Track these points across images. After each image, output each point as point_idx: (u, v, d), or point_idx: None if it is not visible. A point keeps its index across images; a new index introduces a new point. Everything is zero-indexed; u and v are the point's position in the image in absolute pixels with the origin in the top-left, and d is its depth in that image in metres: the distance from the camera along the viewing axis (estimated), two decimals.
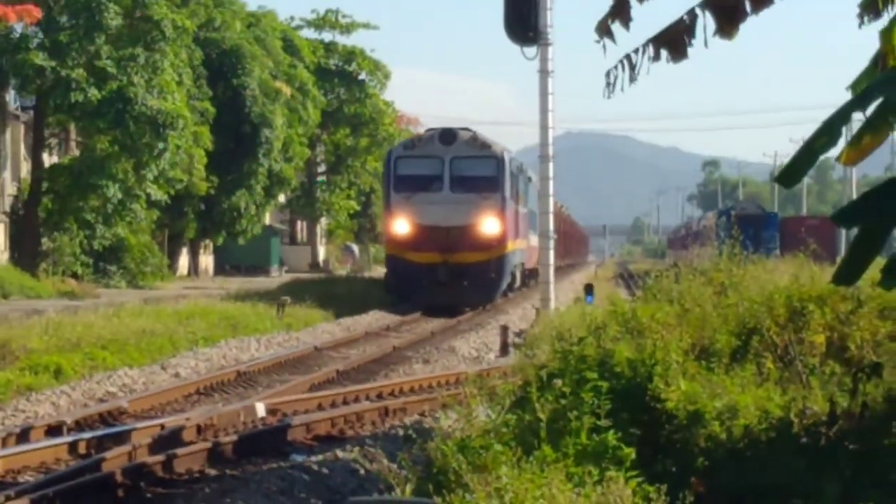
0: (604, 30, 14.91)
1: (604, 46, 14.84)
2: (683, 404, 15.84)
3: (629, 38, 15.18)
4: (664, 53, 14.61)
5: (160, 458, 17.69)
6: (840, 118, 13.85)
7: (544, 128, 38.92)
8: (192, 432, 20.23)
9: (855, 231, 14.44)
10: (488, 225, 55.09)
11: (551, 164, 40.01)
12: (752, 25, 14.78)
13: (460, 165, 55.75)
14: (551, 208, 41.59)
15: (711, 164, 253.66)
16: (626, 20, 14.62)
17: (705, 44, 14.30)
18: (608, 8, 14.81)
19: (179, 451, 18.26)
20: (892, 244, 22.67)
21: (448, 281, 54.20)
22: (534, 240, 69.55)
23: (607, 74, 14.98)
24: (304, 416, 22.16)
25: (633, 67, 14.60)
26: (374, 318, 50.54)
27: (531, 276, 75.83)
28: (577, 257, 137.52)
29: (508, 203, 56.56)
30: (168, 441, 19.30)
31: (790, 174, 14.64)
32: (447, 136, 56.41)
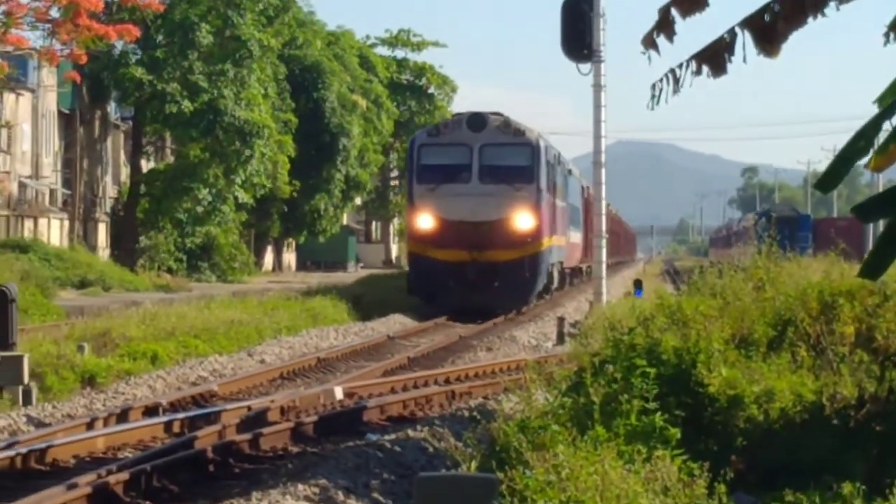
0: (649, 43, 14.87)
1: (649, 58, 14.79)
2: (724, 389, 15.80)
3: (673, 50, 15.15)
4: (706, 69, 14.64)
5: (247, 436, 17.71)
6: (870, 129, 13.80)
7: (597, 137, 38.83)
8: (277, 413, 20.23)
9: (879, 231, 14.41)
10: (521, 220, 45.54)
11: (603, 171, 40.04)
12: (788, 42, 14.74)
13: (491, 154, 45.96)
14: (604, 210, 41.34)
15: (750, 170, 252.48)
16: (670, 34, 14.58)
17: (744, 60, 14.32)
18: (654, 23, 14.86)
19: (265, 430, 18.27)
20: None
21: (477, 281, 44.70)
22: (575, 236, 62.54)
23: (653, 87, 14.98)
24: (378, 398, 22.10)
25: (676, 81, 14.58)
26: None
27: (573, 275, 68.95)
28: (626, 255, 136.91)
29: (544, 195, 46.74)
30: (254, 421, 19.32)
31: (828, 180, 14.65)
32: (476, 120, 46.05)
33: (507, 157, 46.30)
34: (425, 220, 45.79)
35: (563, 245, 55.25)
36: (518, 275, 45.45)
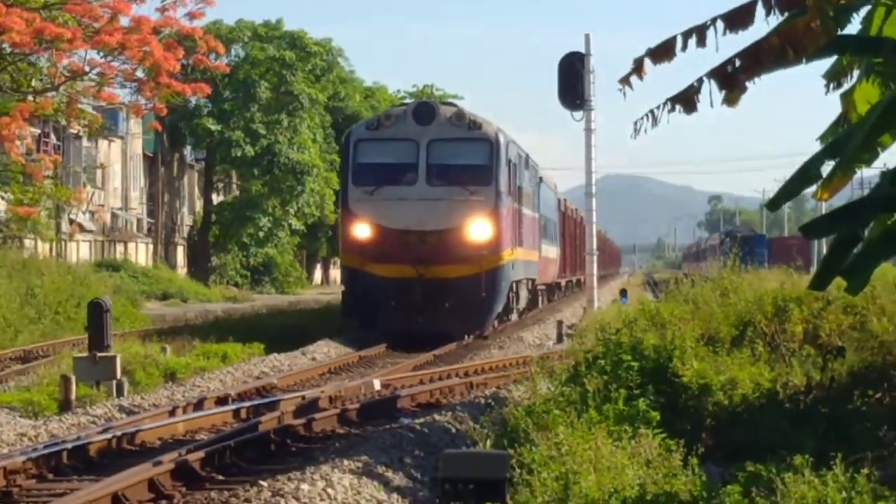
0: (624, 82, 14.81)
1: (624, 94, 14.74)
2: (695, 379, 15.65)
3: (645, 95, 15.16)
4: (679, 108, 14.55)
5: (302, 421, 17.58)
6: (813, 162, 13.79)
7: (588, 172, 38.53)
8: (326, 401, 20.07)
9: (825, 249, 14.39)
10: (477, 229, 32.52)
11: (594, 199, 39.62)
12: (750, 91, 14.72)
13: (441, 150, 32.85)
14: (594, 231, 40.13)
15: (715, 198, 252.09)
16: (641, 75, 14.49)
17: (710, 104, 14.25)
18: (630, 68, 14.83)
19: (316, 415, 18.14)
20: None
21: (424, 302, 31.92)
22: (550, 250, 49.25)
23: (635, 123, 14.90)
24: (409, 389, 21.90)
25: (654, 118, 14.52)
26: None
27: (550, 291, 53.81)
28: (612, 269, 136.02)
29: (505, 200, 33.25)
30: (307, 408, 19.18)
31: (776, 203, 14.76)
32: (423, 111, 32.96)
33: (461, 155, 33.17)
34: (362, 230, 32.56)
35: (534, 259, 41.26)
36: (473, 294, 32.20)
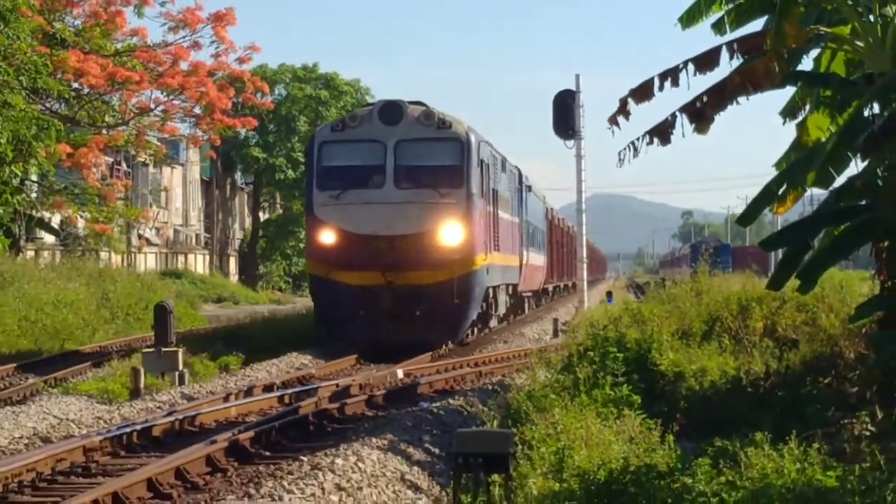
0: (612, 122, 14.84)
1: (612, 132, 14.77)
2: (671, 368, 15.62)
3: (629, 128, 15.16)
4: (656, 140, 14.57)
5: (336, 405, 17.49)
6: (773, 184, 13.82)
7: (579, 192, 38.48)
8: (357, 388, 19.88)
9: (780, 255, 14.40)
10: (448, 232, 27.23)
11: (584, 215, 39.54)
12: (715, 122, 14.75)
13: (409, 151, 27.60)
14: (584, 242, 40.30)
15: (687, 213, 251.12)
16: (626, 115, 14.52)
17: (682, 135, 14.27)
18: (616, 108, 14.86)
19: (348, 400, 18.03)
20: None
21: (394, 311, 26.83)
22: (536, 258, 42.54)
23: (619, 153, 14.92)
24: (427, 377, 21.73)
25: (636, 148, 14.54)
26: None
27: (538, 297, 47.56)
28: (599, 274, 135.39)
29: (477, 202, 27.91)
30: (341, 394, 19.08)
31: (746, 218, 14.84)
32: (390, 111, 27.41)
33: (430, 156, 27.75)
34: (327, 236, 27.07)
35: (514, 265, 34.39)
36: (445, 301, 26.85)
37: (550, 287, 53.11)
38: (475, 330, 29.96)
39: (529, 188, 39.68)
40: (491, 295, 30.29)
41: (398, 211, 26.68)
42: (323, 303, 27.38)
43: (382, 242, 26.57)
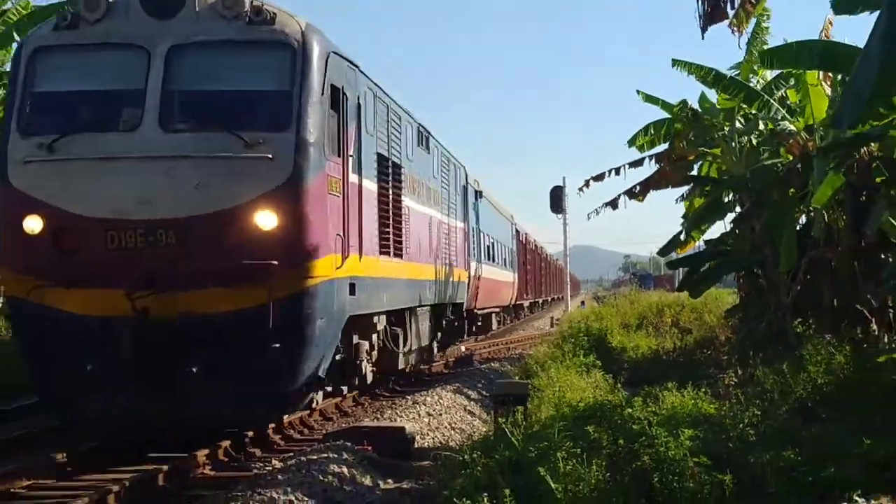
0: (580, 190, 18.54)
1: (580, 192, 18.86)
2: (618, 345, 18.57)
3: (593, 199, 17.84)
4: (609, 207, 18.31)
5: (426, 367, 20.35)
6: (677, 235, 17.36)
7: (565, 245, 46.27)
8: (438, 357, 22.62)
9: (681, 275, 17.44)
10: (263, 216, 9.60)
11: (568, 259, 49.46)
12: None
13: (192, 65, 9.41)
14: (568, 276, 51.32)
15: (627, 256, 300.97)
16: (587, 188, 18.56)
17: (625, 205, 18.03)
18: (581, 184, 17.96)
19: (433, 365, 21.00)
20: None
21: (147, 365, 9.22)
22: (503, 274, 31.87)
23: (588, 214, 18.44)
24: (479, 351, 26.12)
25: (597, 212, 18.30)
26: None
27: (516, 310, 39.47)
28: (575, 291, 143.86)
29: (319, 159, 9.89)
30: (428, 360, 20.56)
31: (664, 252, 18.49)
32: None
33: (230, 74, 10.21)
34: (32, 222, 9.93)
35: (459, 279, 21.19)
36: (250, 343, 9.83)
37: (526, 303, 45.58)
38: (323, 393, 12.70)
39: (480, 194, 25.31)
40: (379, 325, 13.97)
41: (166, 174, 9.99)
42: (29, 349, 10.46)
43: (134, 235, 10.09)
